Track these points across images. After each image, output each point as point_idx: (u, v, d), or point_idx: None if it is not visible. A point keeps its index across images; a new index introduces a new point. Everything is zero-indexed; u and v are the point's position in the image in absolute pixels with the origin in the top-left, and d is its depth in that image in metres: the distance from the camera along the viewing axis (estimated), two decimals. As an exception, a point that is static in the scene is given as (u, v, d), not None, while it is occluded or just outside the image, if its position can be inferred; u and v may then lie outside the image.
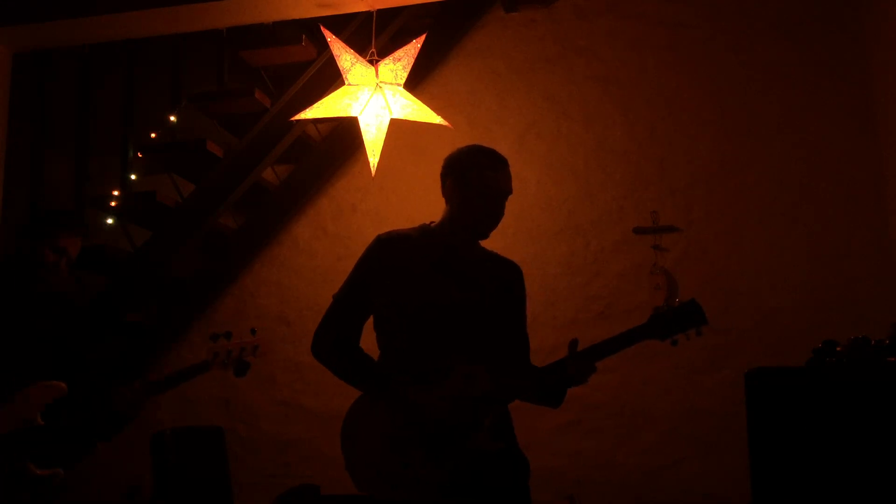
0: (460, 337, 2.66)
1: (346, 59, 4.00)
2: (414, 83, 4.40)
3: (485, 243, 2.86)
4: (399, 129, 4.26)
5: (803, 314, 4.21)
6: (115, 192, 4.74)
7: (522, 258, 4.54)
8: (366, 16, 4.49)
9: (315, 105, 4.09)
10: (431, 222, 2.84)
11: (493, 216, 2.77)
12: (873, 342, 2.53)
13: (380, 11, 4.36)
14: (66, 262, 3.14)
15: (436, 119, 4.09)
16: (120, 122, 4.92)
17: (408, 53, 4.02)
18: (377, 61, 4.03)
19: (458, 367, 2.57)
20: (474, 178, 2.73)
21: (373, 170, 4.12)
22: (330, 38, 4.00)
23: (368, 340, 2.79)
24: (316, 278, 4.85)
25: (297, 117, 4.20)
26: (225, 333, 3.05)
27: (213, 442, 4.24)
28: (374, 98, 4.03)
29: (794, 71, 4.48)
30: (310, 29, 4.73)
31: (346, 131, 4.75)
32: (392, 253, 2.74)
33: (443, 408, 2.54)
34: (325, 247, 4.88)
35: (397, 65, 4.01)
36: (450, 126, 4.16)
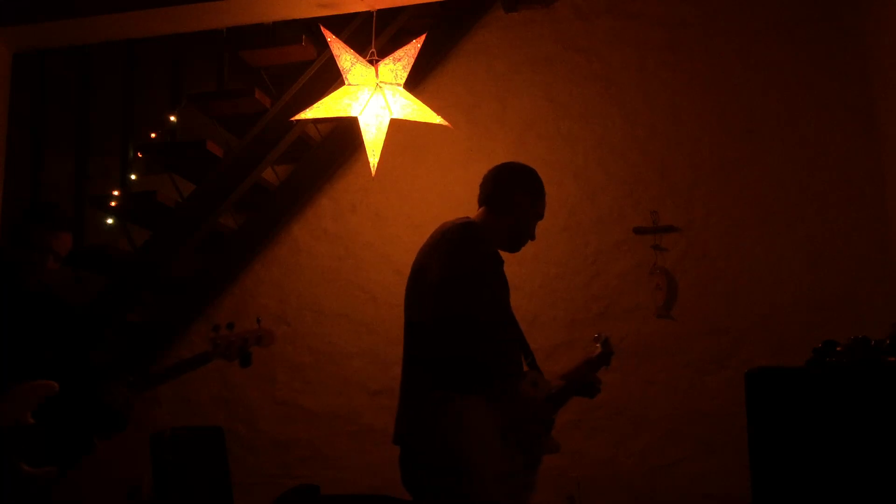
0: (517, 340, 2.70)
1: (346, 59, 3.99)
2: (414, 83, 4.39)
3: None
4: (399, 129, 4.25)
5: (803, 314, 4.21)
6: (115, 192, 4.74)
7: (522, 258, 4.55)
8: (366, 16, 4.49)
9: (315, 105, 4.08)
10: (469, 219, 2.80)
11: (530, 239, 2.87)
12: (873, 342, 2.53)
13: (380, 11, 4.35)
14: (54, 259, 2.97)
15: (436, 119, 4.08)
16: (120, 122, 4.92)
17: (408, 53, 4.01)
18: (377, 61, 4.03)
19: (528, 372, 2.58)
20: (540, 203, 2.83)
21: (373, 170, 4.11)
22: (330, 38, 3.99)
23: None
24: (316, 278, 4.85)
25: (297, 117, 4.19)
26: (227, 324, 3.02)
27: (213, 442, 4.24)
28: (374, 98, 4.02)
29: (794, 71, 4.48)
30: (310, 29, 4.73)
31: (346, 131, 4.75)
32: (487, 247, 2.73)
33: (542, 409, 2.53)
34: (325, 247, 4.88)
35: (397, 65, 4.00)
36: (450, 126, 4.15)
